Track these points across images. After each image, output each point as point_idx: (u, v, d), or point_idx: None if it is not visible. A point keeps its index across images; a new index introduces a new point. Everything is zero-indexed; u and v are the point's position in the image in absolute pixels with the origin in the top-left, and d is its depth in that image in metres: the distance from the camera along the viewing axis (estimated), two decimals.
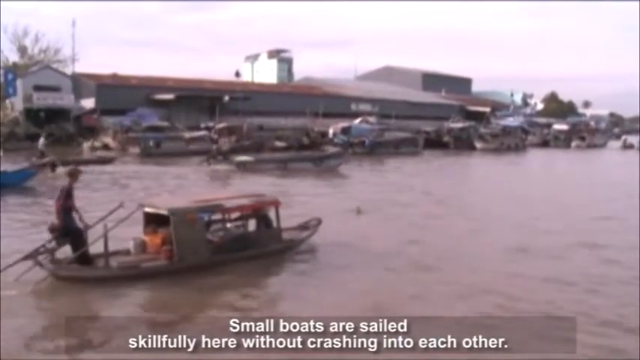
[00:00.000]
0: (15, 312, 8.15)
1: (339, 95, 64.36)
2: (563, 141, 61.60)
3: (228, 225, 11.42)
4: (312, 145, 41.21)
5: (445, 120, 57.14)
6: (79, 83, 49.34)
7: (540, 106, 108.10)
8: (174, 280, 9.58)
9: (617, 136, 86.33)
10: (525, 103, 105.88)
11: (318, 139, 42.36)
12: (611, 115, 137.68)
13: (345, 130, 42.04)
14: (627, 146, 62.89)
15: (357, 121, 47.45)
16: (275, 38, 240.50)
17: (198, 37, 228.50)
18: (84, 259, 9.74)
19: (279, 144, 40.73)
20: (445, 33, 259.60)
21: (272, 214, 11.46)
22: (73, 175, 10.06)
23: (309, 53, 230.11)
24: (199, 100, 51.11)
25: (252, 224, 11.71)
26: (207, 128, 43.56)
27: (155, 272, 9.85)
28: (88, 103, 48.00)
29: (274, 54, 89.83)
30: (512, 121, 65.16)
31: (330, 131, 42.40)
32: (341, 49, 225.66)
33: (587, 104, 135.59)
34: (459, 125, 53.00)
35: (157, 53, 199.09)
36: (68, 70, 53.59)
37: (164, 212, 10.11)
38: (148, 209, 10.59)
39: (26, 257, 9.48)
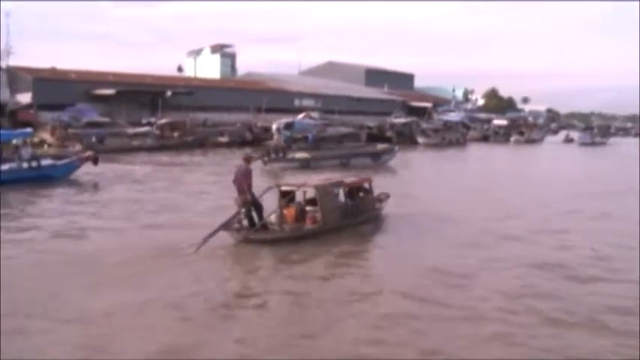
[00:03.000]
0: (227, 266, 11.49)
1: (283, 90, 64.31)
2: (502, 136, 63.06)
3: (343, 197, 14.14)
4: (255, 141, 41.16)
5: (388, 115, 57.70)
6: (15, 77, 47.80)
7: (481, 102, 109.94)
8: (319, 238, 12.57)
9: (554, 131, 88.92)
10: (466, 99, 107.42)
11: (261, 135, 42.26)
12: (549, 110, 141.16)
13: (289, 126, 41.79)
14: (568, 140, 67.18)
15: (300, 116, 47.28)
16: (218, 33, 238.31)
17: (142, 32, 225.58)
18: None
19: (222, 139, 40.55)
20: (388, 29, 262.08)
21: (368, 188, 14.99)
22: (249, 160, 13.10)
23: (252, 48, 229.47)
24: (141, 95, 50.32)
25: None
26: (149, 124, 43.00)
27: (312, 233, 12.65)
28: (25, 97, 46.54)
29: (217, 49, 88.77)
30: (453, 117, 66.29)
31: (274, 127, 42.15)
32: (284, 45, 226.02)
33: (526, 100, 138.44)
34: (402, 120, 53.52)
35: (101, 48, 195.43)
36: (3, 64, 52.01)
37: (310, 189, 13.12)
38: (284, 187, 13.27)
39: (223, 227, 12.08)
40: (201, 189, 20.98)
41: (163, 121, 42.25)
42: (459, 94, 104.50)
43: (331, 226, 12.95)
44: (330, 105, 61.16)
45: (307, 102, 62.75)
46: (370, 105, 69.65)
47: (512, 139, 62.25)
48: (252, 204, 12.49)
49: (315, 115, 49.76)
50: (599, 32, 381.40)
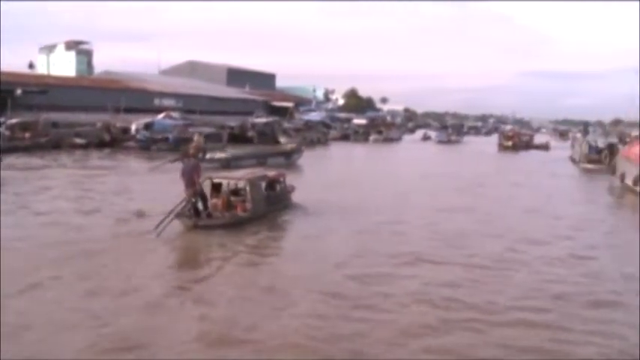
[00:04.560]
0: (180, 245, 13.65)
1: (142, 90, 62.77)
2: (362, 135, 64.82)
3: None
4: (114, 142, 40.05)
5: (250, 115, 57.76)
6: None
7: (341, 102, 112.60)
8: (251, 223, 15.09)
9: (412, 130, 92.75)
10: (327, 99, 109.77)
11: (119, 136, 41.20)
12: (406, 110, 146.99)
13: (148, 126, 41.08)
14: (426, 138, 71.70)
15: (161, 116, 46.60)
16: (73, 29, 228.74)
17: None
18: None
19: (78, 141, 39.09)
20: (250, 29, 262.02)
21: (283, 182, 17.77)
22: (195, 155, 15.17)
23: (109, 46, 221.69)
24: None
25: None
26: None
27: (245, 219, 14.97)
28: None
29: (72, 45, 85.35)
30: (314, 116, 67.55)
31: (133, 127, 41.27)
32: (143, 43, 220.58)
33: (384, 100, 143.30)
34: (263, 120, 53.55)
35: None
36: None
37: (242, 181, 15.62)
38: (216, 180, 15.72)
39: (176, 215, 13.97)
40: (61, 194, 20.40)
41: (13, 121, 40.09)
42: (320, 94, 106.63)
43: (259, 214, 15.57)
44: (191, 105, 60.55)
45: (168, 102, 61.69)
46: (232, 105, 69.55)
47: (371, 138, 64.20)
48: (199, 195, 14.62)
49: (175, 115, 49.20)
50: (451, 34, 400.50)
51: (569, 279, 11.52)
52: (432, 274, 11.39)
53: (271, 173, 17.69)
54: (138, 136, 39.84)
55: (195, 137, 17.87)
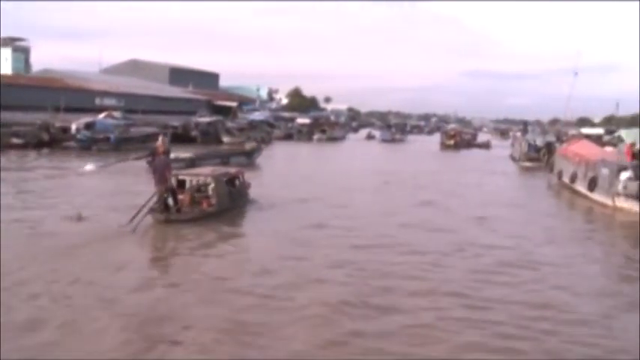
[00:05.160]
0: (153, 237, 14.54)
1: (83, 89, 61.50)
2: (305, 134, 65.22)
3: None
4: (53, 142, 39.30)
5: (193, 115, 57.41)
6: None
7: (285, 101, 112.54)
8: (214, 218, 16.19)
9: (355, 130, 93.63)
10: (271, 98, 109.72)
11: (59, 135, 40.47)
12: (350, 109, 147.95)
13: (89, 126, 40.41)
14: (370, 137, 73.37)
15: (102, 116, 45.94)
16: (9, 26, 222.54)
17: None
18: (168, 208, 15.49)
19: (16, 141, 38.21)
20: (194, 28, 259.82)
21: (242, 178, 18.97)
22: (168, 153, 17.18)
23: (48, 44, 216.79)
24: None
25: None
26: None
27: (211, 214, 16.18)
28: None
29: (8, 42, 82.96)
30: (258, 116, 67.60)
31: (73, 127, 40.51)
32: (84, 41, 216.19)
33: (328, 99, 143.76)
34: (207, 120, 53.47)
35: None
36: None
37: (207, 178, 16.81)
38: (181, 177, 16.73)
39: (149, 210, 14.96)
40: None
41: None
42: (264, 93, 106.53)
43: (223, 208, 16.71)
44: (133, 104, 59.70)
45: (109, 101, 60.67)
46: (175, 104, 68.92)
47: (315, 137, 64.66)
48: (169, 191, 15.53)
49: (117, 114, 48.57)
50: (395, 34, 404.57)
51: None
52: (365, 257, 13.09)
53: (232, 170, 19.15)
54: (78, 136, 39.18)
55: (160, 138, 18.67)
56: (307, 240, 14.48)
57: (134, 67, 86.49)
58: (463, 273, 11.88)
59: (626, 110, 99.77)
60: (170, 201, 15.50)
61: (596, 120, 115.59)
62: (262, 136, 54.73)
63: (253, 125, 57.52)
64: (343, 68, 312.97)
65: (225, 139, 50.43)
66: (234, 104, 71.75)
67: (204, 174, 17.26)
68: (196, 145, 44.27)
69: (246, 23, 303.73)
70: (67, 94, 53.83)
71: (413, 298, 10.20)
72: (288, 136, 62.63)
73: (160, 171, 15.38)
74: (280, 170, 33.13)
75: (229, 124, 54.94)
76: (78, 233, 13.91)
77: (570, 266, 13.09)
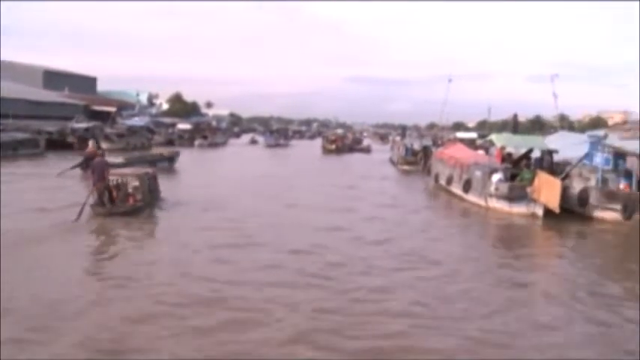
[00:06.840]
0: (94, 229, 16.37)
1: None
2: (187, 140, 64.70)
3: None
4: None
5: (69, 120, 55.23)
6: None
7: (166, 106, 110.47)
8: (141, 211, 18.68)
9: (237, 135, 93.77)
10: (151, 103, 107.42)
11: None
12: (231, 115, 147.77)
13: None
14: (253, 142, 76.20)
15: None
16: None
17: None
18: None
19: None
20: (68, 29, 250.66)
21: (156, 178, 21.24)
22: (104, 155, 22.17)
23: None
24: None
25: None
26: None
27: (139, 208, 18.61)
28: None
29: None
30: (137, 121, 66.00)
31: None
32: None
33: (209, 105, 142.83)
34: (84, 125, 51.70)
35: None
36: None
37: (133, 177, 19.11)
38: (111, 177, 18.49)
39: (91, 205, 17.56)
40: None
41: None
42: (144, 98, 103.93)
43: (147, 202, 19.22)
44: (3, 109, 56.81)
45: None
46: (50, 109, 66.06)
47: (196, 142, 64.39)
48: (106, 188, 18.05)
49: None
50: (277, 40, 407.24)
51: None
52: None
53: (150, 171, 21.27)
54: None
55: (90, 143, 23.90)
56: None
57: (4, 69, 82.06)
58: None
59: (498, 115, 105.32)
60: (106, 197, 17.97)
61: (471, 124, 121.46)
62: (142, 142, 53.75)
63: (133, 131, 55.98)
64: (225, 73, 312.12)
65: (105, 145, 49.05)
66: (112, 109, 69.69)
67: (130, 174, 19.56)
68: (73, 151, 42.62)
69: (125, 26, 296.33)
70: None
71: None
72: (169, 142, 61.51)
73: (99, 171, 17.87)
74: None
75: (108, 130, 53.25)
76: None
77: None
